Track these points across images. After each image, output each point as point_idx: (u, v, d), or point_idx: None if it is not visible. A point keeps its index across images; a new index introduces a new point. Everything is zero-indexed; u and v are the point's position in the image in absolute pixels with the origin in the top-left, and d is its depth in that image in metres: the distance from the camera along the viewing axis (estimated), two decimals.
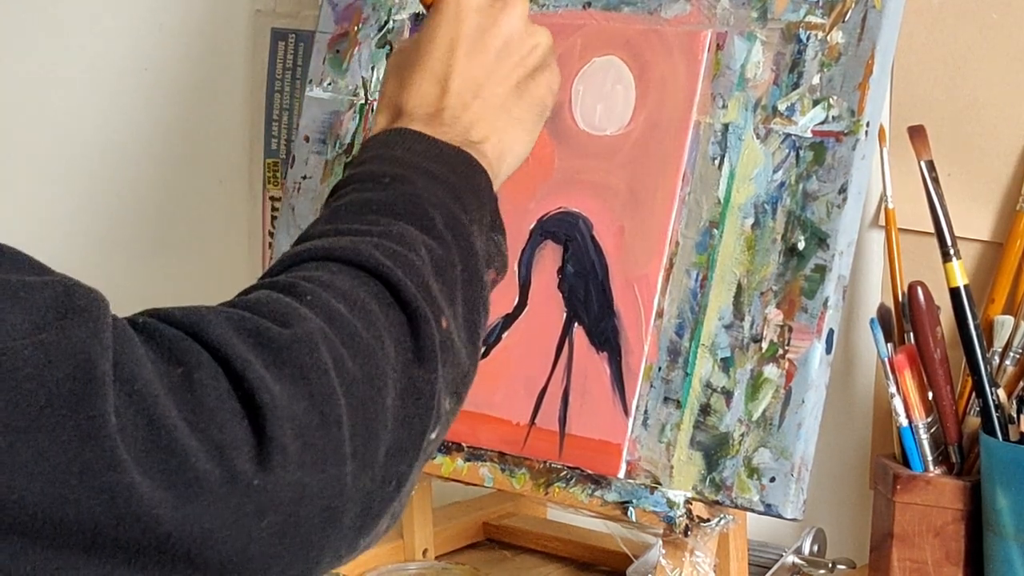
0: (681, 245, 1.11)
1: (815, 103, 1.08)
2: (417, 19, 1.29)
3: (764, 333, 1.07)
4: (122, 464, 0.63)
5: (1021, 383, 1.15)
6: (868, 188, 1.12)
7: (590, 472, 1.12)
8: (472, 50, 0.97)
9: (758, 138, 1.10)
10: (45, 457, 0.62)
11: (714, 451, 1.07)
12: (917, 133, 1.18)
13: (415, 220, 0.84)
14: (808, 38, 1.09)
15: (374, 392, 0.74)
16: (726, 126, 1.11)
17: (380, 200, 0.86)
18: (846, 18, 1.08)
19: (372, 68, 1.31)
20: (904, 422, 1.15)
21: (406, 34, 1.30)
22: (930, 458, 1.16)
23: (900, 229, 1.22)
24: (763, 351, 1.07)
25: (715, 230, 1.10)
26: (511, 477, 1.16)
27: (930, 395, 1.16)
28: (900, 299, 1.19)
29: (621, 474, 1.11)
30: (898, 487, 1.15)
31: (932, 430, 1.16)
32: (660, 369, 1.11)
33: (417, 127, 0.94)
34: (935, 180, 1.16)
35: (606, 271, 1.14)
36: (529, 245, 1.18)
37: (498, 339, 1.18)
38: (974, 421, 1.16)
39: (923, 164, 1.16)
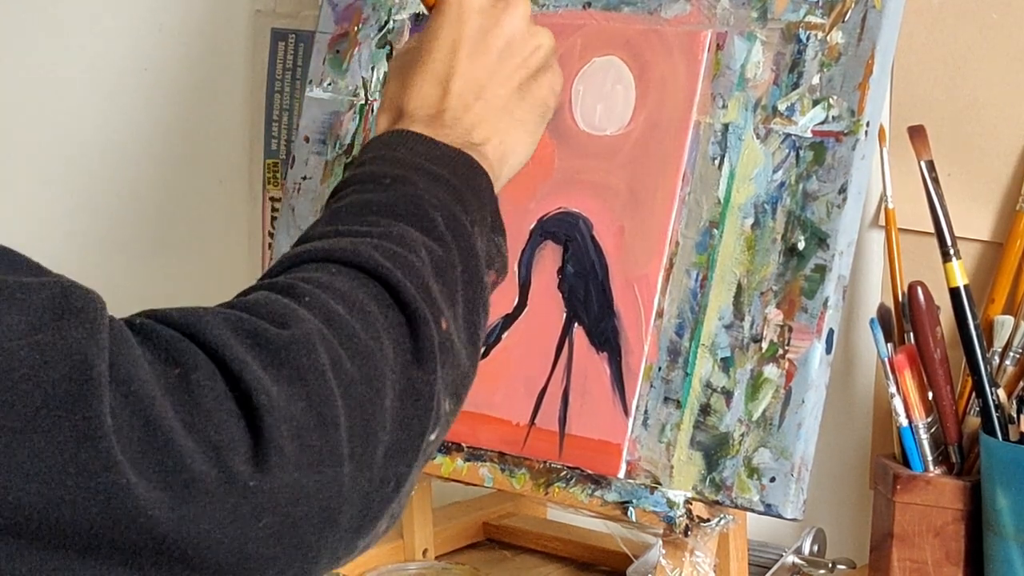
0: (681, 245, 1.11)
1: (815, 103, 1.08)
2: (417, 19, 1.29)
3: (764, 333, 1.07)
4: (118, 465, 0.63)
5: (1021, 383, 1.15)
6: (868, 188, 1.12)
7: (590, 472, 1.12)
8: (474, 51, 0.97)
9: (758, 138, 1.10)
10: (41, 458, 0.62)
11: (714, 451, 1.07)
12: (917, 133, 1.17)
13: (416, 221, 0.84)
14: (808, 38, 1.09)
15: (372, 393, 0.74)
16: (726, 126, 1.11)
17: (381, 201, 0.86)
18: (846, 18, 1.08)
19: (372, 68, 1.31)
20: (904, 422, 1.15)
21: (406, 34, 1.30)
22: (930, 458, 1.16)
23: (900, 229, 1.22)
24: (763, 351, 1.07)
25: (715, 230, 1.10)
26: (511, 477, 1.16)
27: (930, 395, 1.16)
28: (900, 299, 1.19)
29: (621, 474, 1.10)
30: (898, 487, 1.15)
31: (932, 430, 1.15)
32: (660, 369, 1.11)
33: (418, 128, 0.93)
34: (935, 180, 1.16)
35: (606, 271, 1.14)
36: (529, 245, 1.18)
37: (498, 339, 1.18)
38: (974, 421, 1.16)
39: (923, 164, 1.16)
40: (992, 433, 1.11)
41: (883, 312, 1.18)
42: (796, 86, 1.09)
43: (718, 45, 1.12)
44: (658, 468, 1.09)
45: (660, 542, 1.10)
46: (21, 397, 0.62)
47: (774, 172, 1.09)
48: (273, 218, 1.62)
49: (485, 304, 0.87)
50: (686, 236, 1.11)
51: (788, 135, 1.09)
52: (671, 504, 1.08)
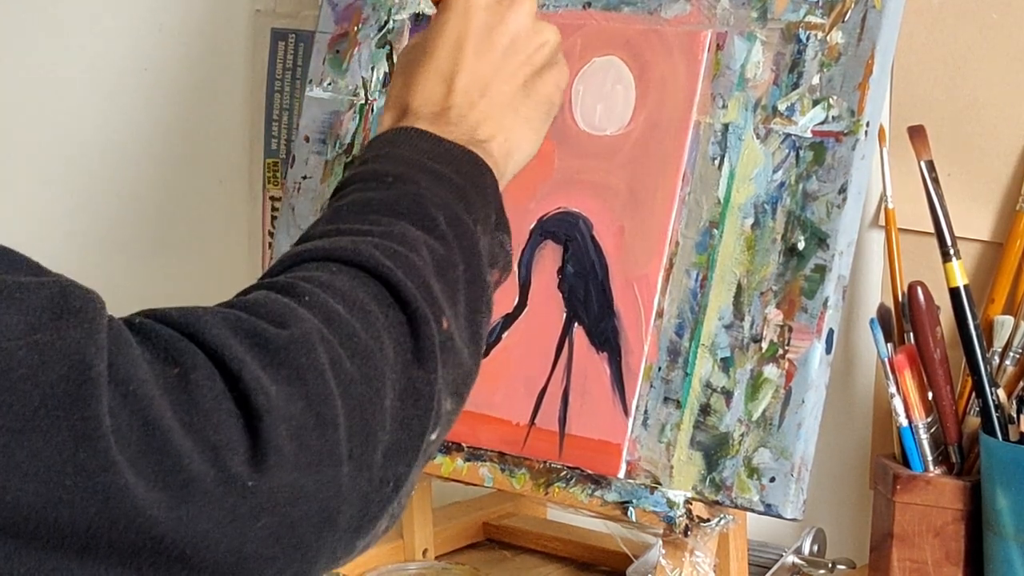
0: (681, 245, 1.11)
1: (815, 103, 1.08)
2: (417, 19, 1.29)
3: (764, 333, 1.07)
4: (116, 465, 0.63)
5: (1021, 383, 1.15)
6: (868, 188, 1.12)
7: (590, 472, 1.12)
8: (479, 48, 0.96)
9: (758, 138, 1.10)
10: (39, 458, 0.62)
11: (714, 451, 1.07)
12: (917, 133, 1.17)
13: (417, 220, 0.84)
14: (808, 38, 1.09)
15: (372, 393, 0.73)
16: (726, 126, 1.11)
17: (382, 200, 0.85)
18: (846, 18, 1.08)
19: (372, 68, 1.31)
20: (904, 422, 1.15)
21: (406, 34, 1.30)
22: (930, 458, 1.16)
23: (900, 229, 1.22)
24: (763, 351, 1.07)
25: (715, 230, 1.10)
26: (511, 477, 1.16)
27: (930, 395, 1.16)
28: (900, 299, 1.19)
29: (621, 474, 1.10)
30: (898, 487, 1.15)
31: (932, 430, 1.15)
32: (660, 369, 1.11)
33: (423, 126, 0.93)
34: (935, 180, 1.16)
35: (606, 271, 1.14)
36: (529, 245, 1.17)
37: (498, 339, 1.18)
38: (974, 421, 1.16)
39: (923, 164, 1.16)
40: (992, 433, 1.11)
41: (883, 312, 1.18)
42: (796, 86, 1.09)
43: (718, 45, 1.12)
44: (658, 468, 1.09)
45: (660, 542, 1.10)
46: (19, 397, 0.62)
47: (774, 172, 1.09)
48: (273, 218, 1.62)
49: (488, 303, 0.87)
50: (686, 236, 1.11)
51: (788, 135, 1.08)
52: (671, 504, 1.08)
